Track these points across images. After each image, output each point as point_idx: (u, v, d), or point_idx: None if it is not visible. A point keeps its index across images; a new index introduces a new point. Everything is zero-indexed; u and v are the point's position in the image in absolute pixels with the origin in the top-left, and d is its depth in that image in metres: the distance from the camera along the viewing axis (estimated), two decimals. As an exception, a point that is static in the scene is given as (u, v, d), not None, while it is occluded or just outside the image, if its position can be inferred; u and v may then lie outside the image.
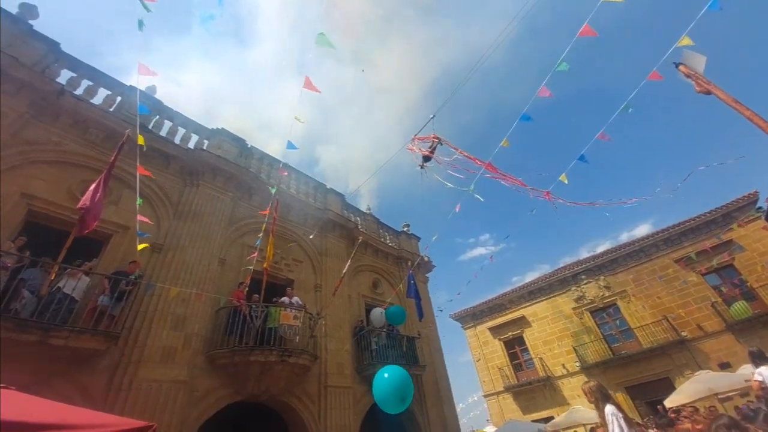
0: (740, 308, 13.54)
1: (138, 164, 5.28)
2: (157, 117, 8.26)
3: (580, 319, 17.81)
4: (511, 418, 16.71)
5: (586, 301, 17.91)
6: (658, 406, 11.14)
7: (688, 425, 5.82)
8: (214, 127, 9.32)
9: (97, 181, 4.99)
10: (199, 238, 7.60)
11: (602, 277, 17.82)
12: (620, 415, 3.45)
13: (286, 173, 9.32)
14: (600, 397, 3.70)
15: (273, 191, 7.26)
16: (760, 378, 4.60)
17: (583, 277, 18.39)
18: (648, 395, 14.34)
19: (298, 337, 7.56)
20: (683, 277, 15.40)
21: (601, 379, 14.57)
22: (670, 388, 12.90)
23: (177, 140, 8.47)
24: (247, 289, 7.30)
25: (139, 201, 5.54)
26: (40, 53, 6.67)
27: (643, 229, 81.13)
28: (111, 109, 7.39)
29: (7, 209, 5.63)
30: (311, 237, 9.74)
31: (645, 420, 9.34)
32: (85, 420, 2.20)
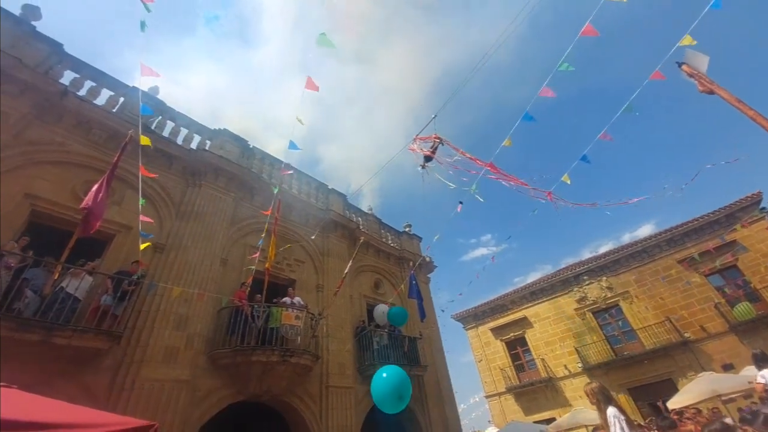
0: (743, 309, 13.46)
1: (140, 165, 5.29)
2: (160, 118, 8.29)
3: (583, 319, 17.74)
4: (513, 419, 16.69)
5: (588, 302, 17.83)
6: (658, 403, 11.10)
7: (690, 427, 5.79)
8: (217, 128, 9.35)
9: (100, 181, 5.00)
10: (201, 238, 7.63)
11: (604, 278, 17.75)
12: (622, 417, 3.43)
13: (290, 172, 9.30)
14: (602, 399, 3.66)
15: (275, 191, 7.26)
16: (763, 380, 4.57)
17: (585, 277, 18.31)
18: (650, 397, 14.23)
19: (299, 338, 7.58)
20: (686, 277, 15.30)
21: (604, 381, 14.52)
22: (672, 390, 12.87)
23: (179, 141, 8.50)
24: (249, 289, 7.30)
25: (141, 201, 5.57)
26: (43, 54, 6.71)
27: (645, 230, 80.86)
28: (114, 110, 7.43)
29: (10, 209, 5.66)
30: (313, 237, 9.75)
31: (647, 421, 9.29)
32: (87, 419, 2.20)
